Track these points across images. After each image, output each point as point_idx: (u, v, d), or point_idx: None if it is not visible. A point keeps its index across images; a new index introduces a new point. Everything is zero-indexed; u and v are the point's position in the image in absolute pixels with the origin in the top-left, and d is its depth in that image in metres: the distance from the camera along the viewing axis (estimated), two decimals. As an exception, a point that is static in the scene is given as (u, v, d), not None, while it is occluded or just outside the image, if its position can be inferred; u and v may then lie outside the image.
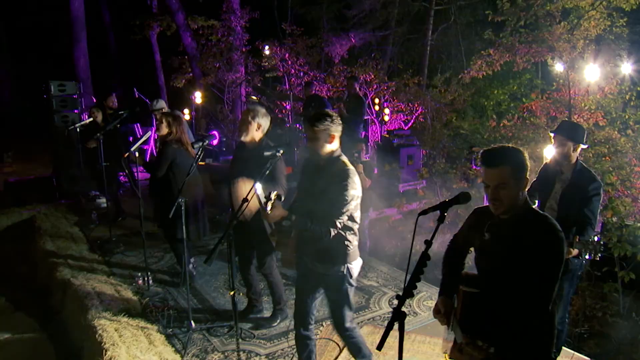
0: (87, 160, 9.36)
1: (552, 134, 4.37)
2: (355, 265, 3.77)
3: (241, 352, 4.65)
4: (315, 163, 3.71)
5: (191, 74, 12.16)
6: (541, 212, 2.70)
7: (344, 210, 3.46)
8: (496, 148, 2.68)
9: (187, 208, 4.86)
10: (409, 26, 14.17)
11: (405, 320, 5.16)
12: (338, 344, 4.78)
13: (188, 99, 12.33)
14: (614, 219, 5.43)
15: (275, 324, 5.18)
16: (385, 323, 5.15)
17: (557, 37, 7.04)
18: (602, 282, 5.99)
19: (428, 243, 2.54)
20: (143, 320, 5.12)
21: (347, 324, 3.88)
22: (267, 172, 3.60)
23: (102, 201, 9.31)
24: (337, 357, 4.61)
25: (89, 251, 7.15)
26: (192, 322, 5.01)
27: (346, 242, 3.64)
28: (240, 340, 4.93)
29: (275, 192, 3.44)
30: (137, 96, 11.38)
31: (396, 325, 2.38)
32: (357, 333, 4.04)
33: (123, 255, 7.11)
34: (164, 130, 5.68)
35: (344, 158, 3.63)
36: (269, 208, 3.46)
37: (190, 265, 6.13)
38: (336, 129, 3.53)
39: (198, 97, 12.30)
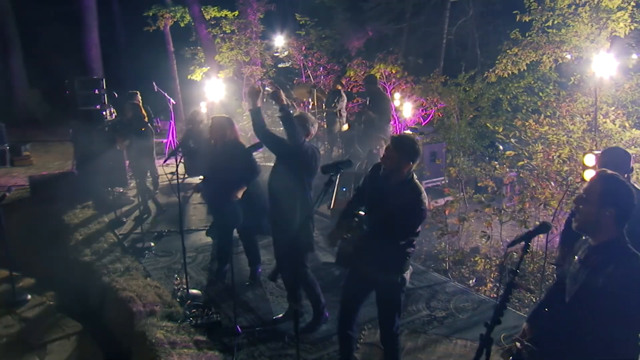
0: (111, 157, 9.44)
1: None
2: (408, 274, 3.91)
3: (289, 357, 4.80)
4: (386, 176, 3.81)
5: (208, 67, 12.16)
6: (631, 248, 2.68)
7: (413, 229, 3.59)
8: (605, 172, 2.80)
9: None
10: (426, 18, 14.14)
11: (445, 324, 5.34)
12: (382, 349, 4.90)
13: (202, 92, 12.33)
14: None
15: (318, 327, 5.29)
16: (426, 327, 5.32)
17: (584, 38, 7.08)
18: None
19: (514, 272, 2.64)
20: (188, 325, 5.22)
21: (395, 330, 4.04)
22: (329, 190, 3.67)
23: (128, 198, 9.42)
24: (383, 364, 4.72)
25: (121, 251, 7.24)
26: (239, 327, 5.12)
27: (404, 254, 3.77)
28: (284, 345, 5.07)
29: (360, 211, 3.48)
30: (156, 90, 11.41)
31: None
32: (399, 341, 4.19)
33: (156, 255, 7.21)
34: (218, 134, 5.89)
35: (416, 179, 3.75)
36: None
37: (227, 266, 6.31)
38: (411, 157, 3.65)
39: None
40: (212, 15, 14.33)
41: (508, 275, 2.71)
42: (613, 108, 7.12)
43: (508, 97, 10.40)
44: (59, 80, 13.91)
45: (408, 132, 9.73)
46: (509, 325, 5.26)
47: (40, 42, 17.47)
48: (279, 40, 13.01)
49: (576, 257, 2.87)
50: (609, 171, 2.80)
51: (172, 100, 11.49)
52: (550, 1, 7.21)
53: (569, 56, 8.03)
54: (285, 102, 4.58)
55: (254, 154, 5.09)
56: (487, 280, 6.59)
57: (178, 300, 5.82)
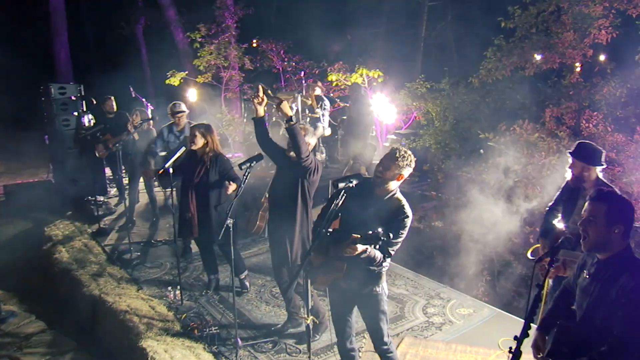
0: (90, 165, 9.23)
1: (569, 155, 4.59)
2: (385, 283, 3.96)
3: (292, 369, 4.78)
4: (370, 189, 3.82)
5: (186, 72, 11.99)
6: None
7: (399, 242, 3.66)
8: (603, 190, 2.87)
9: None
10: (405, 23, 14.22)
11: (443, 330, 5.39)
12: (384, 357, 4.91)
13: (180, 97, 12.16)
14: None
15: (318, 337, 5.27)
16: (425, 333, 5.36)
17: (567, 44, 7.25)
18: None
19: (540, 287, 2.68)
20: (187, 339, 5.14)
21: (386, 339, 4.06)
22: (340, 203, 3.65)
23: (110, 207, 9.22)
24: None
25: (108, 262, 7.06)
26: (239, 339, 5.06)
27: (383, 264, 3.79)
28: (286, 355, 5.04)
29: (381, 230, 3.45)
30: (133, 95, 11.19)
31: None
32: (394, 347, 4.22)
33: (144, 266, 7.07)
34: (200, 142, 5.74)
35: (399, 194, 3.78)
36: (372, 253, 3.50)
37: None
38: (407, 171, 3.67)
39: (192, 94, 12.15)
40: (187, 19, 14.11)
41: (534, 288, 2.76)
42: (595, 113, 7.29)
43: (487, 100, 10.56)
44: (27, 84, 13.49)
45: (392, 137, 9.80)
46: (508, 329, 5.37)
47: (6, 44, 16.91)
48: (251, 42, 12.84)
49: (585, 271, 2.95)
50: (605, 189, 2.90)
51: (150, 106, 11.29)
52: (534, 8, 7.35)
53: (538, 57, 8.19)
54: (291, 114, 4.54)
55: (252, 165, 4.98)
56: (480, 285, 6.69)
57: (173, 312, 5.73)
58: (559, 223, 4.66)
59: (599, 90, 7.98)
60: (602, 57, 8.80)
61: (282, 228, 5.02)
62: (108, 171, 10.04)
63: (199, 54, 12.04)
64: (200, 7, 13.12)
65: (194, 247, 7.27)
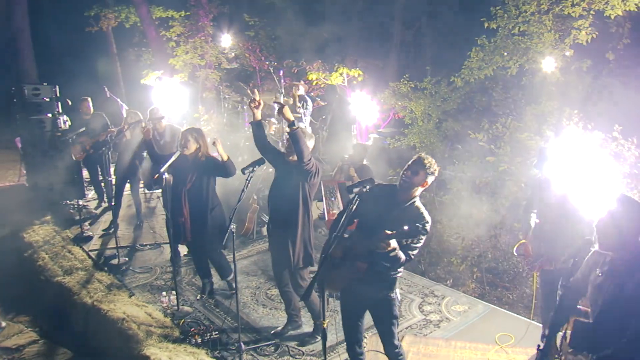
0: (67, 168, 8.97)
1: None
2: (398, 289, 4.05)
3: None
4: (390, 194, 3.87)
5: (162, 71, 11.77)
6: None
7: (418, 247, 3.72)
8: (627, 197, 2.99)
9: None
10: (381, 20, 14.24)
11: (442, 327, 5.48)
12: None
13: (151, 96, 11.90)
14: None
15: (318, 338, 5.27)
16: (424, 331, 5.43)
17: (547, 45, 7.42)
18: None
19: (565, 288, 2.78)
20: (189, 345, 5.09)
21: (396, 342, 4.15)
22: (354, 208, 3.67)
23: (91, 211, 9.01)
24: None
25: (94, 268, 6.89)
26: (242, 343, 5.03)
27: (399, 270, 3.88)
28: (290, 358, 5.05)
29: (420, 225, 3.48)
30: (108, 95, 10.93)
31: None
32: (403, 349, 4.31)
33: (133, 271, 6.94)
34: (193, 146, 5.68)
35: (419, 202, 3.85)
36: (399, 254, 3.55)
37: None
38: (431, 179, 3.76)
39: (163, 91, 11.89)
40: (158, 16, 13.82)
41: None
42: (576, 111, 7.48)
43: (466, 100, 10.65)
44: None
45: (375, 135, 9.85)
46: (503, 325, 5.51)
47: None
48: (227, 40, 12.64)
49: (598, 270, 3.08)
50: (624, 195, 3.05)
51: (125, 107, 11.07)
52: (516, 9, 7.50)
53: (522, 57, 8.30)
54: (293, 119, 4.53)
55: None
56: (470, 282, 6.80)
57: (170, 318, 5.65)
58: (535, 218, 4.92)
59: (575, 87, 8.21)
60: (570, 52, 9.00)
61: (284, 231, 5.01)
62: (85, 173, 9.77)
63: (174, 53, 11.84)
64: (175, 4, 12.89)
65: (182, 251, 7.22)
